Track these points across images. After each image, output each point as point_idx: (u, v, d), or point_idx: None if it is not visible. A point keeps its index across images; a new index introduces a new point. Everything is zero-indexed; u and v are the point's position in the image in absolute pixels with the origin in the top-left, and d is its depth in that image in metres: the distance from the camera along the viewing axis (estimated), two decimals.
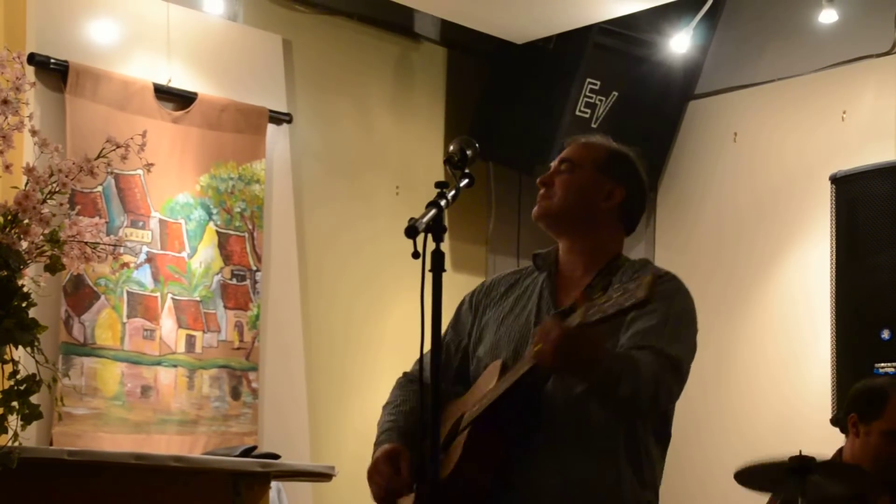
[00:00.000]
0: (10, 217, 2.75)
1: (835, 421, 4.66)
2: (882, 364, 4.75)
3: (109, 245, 2.88)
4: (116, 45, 4.92)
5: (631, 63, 5.88)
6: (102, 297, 4.68)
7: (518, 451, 2.72)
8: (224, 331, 5.04)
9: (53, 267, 2.82)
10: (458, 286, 3.11)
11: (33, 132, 2.86)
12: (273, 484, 3.64)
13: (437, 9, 5.70)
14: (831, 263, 5.05)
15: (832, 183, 5.10)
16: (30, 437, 3.06)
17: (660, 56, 5.86)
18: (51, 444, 4.35)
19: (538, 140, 5.72)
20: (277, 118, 5.34)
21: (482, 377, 2.82)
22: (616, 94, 5.86)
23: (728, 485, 3.92)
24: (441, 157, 5.73)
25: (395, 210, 5.64)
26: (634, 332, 2.73)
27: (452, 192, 2.63)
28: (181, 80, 5.06)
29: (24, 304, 2.76)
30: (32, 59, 4.56)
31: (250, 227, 5.18)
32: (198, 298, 4.98)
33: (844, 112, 5.61)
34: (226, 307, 5.05)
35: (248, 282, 5.14)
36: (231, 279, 5.09)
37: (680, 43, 5.77)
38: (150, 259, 4.84)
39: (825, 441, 4.25)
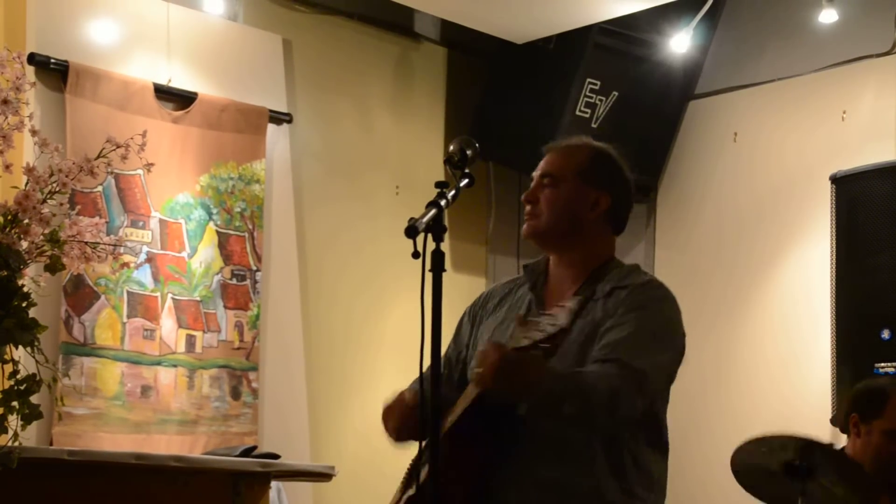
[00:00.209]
0: (10, 217, 2.75)
1: (835, 421, 4.67)
2: (882, 364, 4.75)
3: (109, 245, 2.87)
4: (116, 45, 4.92)
5: (631, 63, 5.88)
6: (102, 297, 4.68)
7: (493, 463, 2.73)
8: (224, 331, 5.04)
9: (53, 267, 2.82)
10: (458, 286, 3.12)
11: (33, 132, 2.86)
12: (273, 484, 3.64)
13: (437, 9, 5.69)
14: (831, 263, 5.05)
15: (832, 183, 5.10)
16: (30, 437, 3.06)
17: (660, 56, 5.86)
18: (51, 444, 4.34)
19: (538, 140, 5.66)
20: (277, 118, 5.34)
21: (466, 389, 2.83)
22: (616, 94, 5.86)
23: (728, 484, 3.92)
24: (441, 157, 5.73)
25: (395, 210, 5.64)
26: (604, 344, 2.75)
27: (452, 192, 2.63)
28: (181, 80, 5.06)
29: (24, 304, 2.76)
30: (32, 59, 4.56)
31: (250, 226, 5.18)
32: (198, 298, 4.98)
33: (844, 112, 5.61)
34: (226, 307, 5.06)
35: (248, 282, 5.14)
36: (231, 279, 5.09)
37: (680, 43, 5.77)
38: (150, 259, 4.84)
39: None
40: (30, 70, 4.50)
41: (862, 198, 4.98)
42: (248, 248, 5.16)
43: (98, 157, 2.87)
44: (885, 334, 4.78)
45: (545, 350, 2.61)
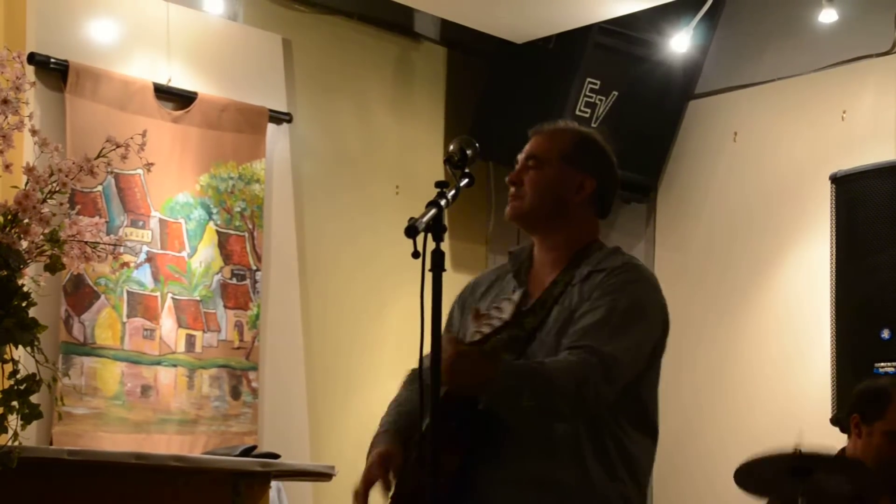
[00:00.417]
0: (10, 217, 2.75)
1: (835, 421, 4.67)
2: (882, 364, 4.75)
3: (109, 245, 2.88)
4: (116, 45, 4.92)
5: (631, 63, 5.88)
6: (102, 297, 4.68)
7: (475, 458, 2.72)
8: (224, 330, 5.04)
9: (53, 267, 2.82)
10: (458, 286, 3.11)
11: (33, 132, 2.86)
12: (273, 484, 3.64)
13: (437, 8, 5.69)
14: (831, 263, 5.05)
15: (832, 183, 5.10)
16: (30, 436, 3.06)
17: (660, 56, 5.86)
18: (51, 444, 4.34)
19: None
20: (277, 118, 5.34)
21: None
22: (616, 93, 5.86)
23: (728, 484, 3.92)
24: (441, 157, 5.73)
25: (395, 210, 5.63)
26: (575, 330, 2.74)
27: (452, 192, 2.63)
28: (181, 80, 5.06)
29: (24, 304, 2.76)
30: (32, 58, 4.56)
31: (250, 226, 5.18)
32: (198, 298, 4.98)
33: (844, 112, 5.61)
34: (226, 307, 5.05)
35: (247, 281, 5.14)
36: (231, 279, 5.09)
37: (680, 43, 5.77)
38: (150, 259, 4.84)
39: (825, 441, 4.25)
40: (30, 70, 4.50)
41: (862, 198, 4.98)
42: (248, 248, 5.16)
43: (98, 156, 2.87)
44: (885, 334, 4.78)
45: (501, 343, 2.66)
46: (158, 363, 4.82)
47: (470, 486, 2.73)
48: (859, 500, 3.88)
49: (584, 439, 2.74)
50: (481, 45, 5.98)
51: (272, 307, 5.24)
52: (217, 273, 5.05)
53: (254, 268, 5.16)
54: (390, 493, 2.75)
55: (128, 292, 4.76)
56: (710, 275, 5.94)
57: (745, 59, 6.00)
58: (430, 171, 5.73)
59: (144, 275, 4.82)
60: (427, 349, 2.58)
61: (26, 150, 3.52)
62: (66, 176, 2.80)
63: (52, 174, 2.80)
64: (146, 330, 4.81)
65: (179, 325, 4.91)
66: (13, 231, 2.75)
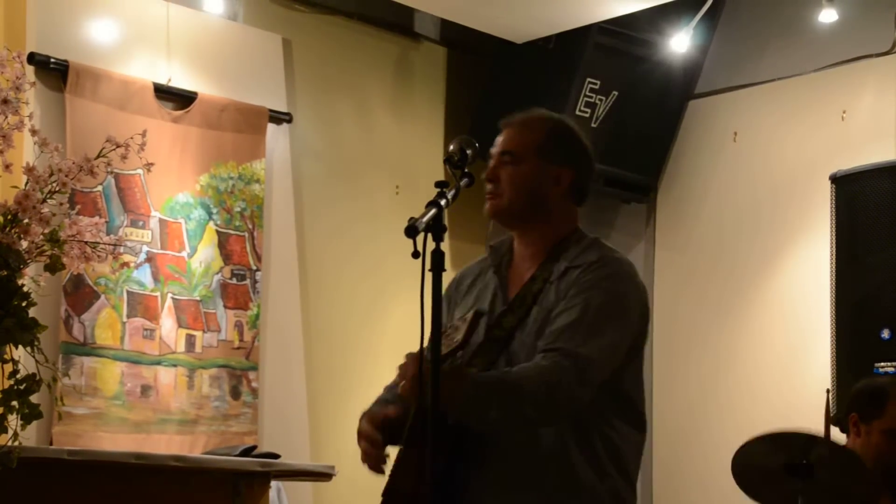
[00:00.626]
0: (10, 217, 2.75)
1: (835, 421, 4.66)
2: (882, 364, 4.75)
3: (109, 245, 2.88)
4: (116, 45, 4.92)
5: (631, 63, 5.88)
6: (102, 297, 4.68)
7: (463, 459, 2.72)
8: (224, 330, 5.04)
9: (53, 267, 2.82)
10: None
11: (33, 132, 2.86)
12: (273, 484, 3.64)
13: (437, 8, 5.69)
14: (831, 263, 5.05)
15: (832, 182, 5.10)
16: (30, 436, 3.06)
17: (660, 56, 5.86)
18: (51, 444, 4.34)
19: None
20: (277, 118, 5.34)
21: None
22: (616, 93, 5.86)
23: (728, 484, 3.92)
24: (441, 157, 5.73)
25: (395, 210, 5.64)
26: (550, 332, 2.74)
27: (452, 192, 2.63)
28: (181, 80, 5.06)
29: (24, 304, 2.76)
30: (32, 58, 4.56)
31: (250, 226, 5.18)
32: (198, 298, 4.98)
33: (844, 112, 5.61)
34: (226, 307, 5.05)
35: (247, 281, 5.14)
36: (231, 279, 5.09)
37: (680, 43, 5.77)
38: (150, 259, 4.84)
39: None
40: (30, 70, 4.50)
41: (862, 197, 4.98)
42: (248, 248, 5.17)
43: (98, 156, 2.87)
44: (885, 334, 4.78)
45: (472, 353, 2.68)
46: (158, 363, 4.82)
47: (461, 489, 2.73)
48: (860, 500, 3.88)
49: (568, 438, 2.74)
50: (481, 45, 5.98)
51: (272, 307, 5.24)
52: (217, 273, 5.05)
53: (254, 268, 5.16)
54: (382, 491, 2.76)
55: (128, 292, 4.76)
56: (710, 274, 5.95)
57: (745, 59, 6.00)
58: (430, 171, 5.73)
59: (144, 275, 4.82)
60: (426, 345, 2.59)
61: (26, 150, 3.52)
62: (66, 176, 2.80)
63: (52, 174, 2.80)
64: (146, 330, 4.81)
65: (179, 325, 4.91)
66: (13, 231, 2.75)
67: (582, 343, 2.70)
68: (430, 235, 2.51)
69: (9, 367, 2.73)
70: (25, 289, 2.78)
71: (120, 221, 4.75)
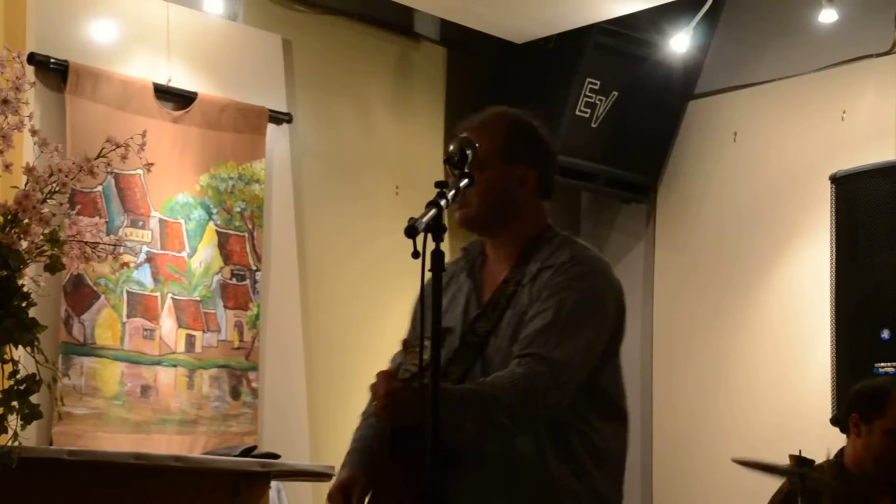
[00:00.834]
0: (10, 217, 2.75)
1: (835, 421, 4.66)
2: (882, 364, 4.76)
3: (109, 245, 2.87)
4: (116, 45, 4.92)
5: (631, 63, 5.88)
6: (102, 297, 4.68)
7: (440, 472, 2.70)
8: (224, 330, 5.04)
9: (53, 267, 2.82)
10: None
11: (33, 132, 2.86)
12: (273, 484, 3.64)
13: (437, 8, 5.69)
14: (831, 263, 5.05)
15: (832, 183, 5.10)
16: (30, 436, 3.06)
17: (660, 56, 5.86)
18: (51, 444, 4.34)
19: None
20: (277, 118, 5.34)
21: None
22: (616, 93, 5.86)
23: (728, 484, 3.92)
24: (441, 157, 5.72)
25: (395, 210, 5.64)
26: (524, 336, 2.72)
27: (452, 192, 2.63)
28: (181, 80, 5.06)
29: (24, 304, 2.76)
30: (32, 58, 4.56)
31: (250, 226, 5.18)
32: (198, 298, 4.98)
33: (844, 112, 5.61)
34: (226, 307, 5.05)
35: (247, 281, 5.14)
36: (231, 279, 5.09)
37: (680, 43, 5.77)
38: (149, 259, 4.84)
39: (825, 441, 4.25)
40: (30, 70, 4.50)
41: (862, 198, 4.98)
42: (248, 248, 5.16)
43: (98, 156, 2.87)
44: (885, 334, 4.78)
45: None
46: (158, 363, 4.82)
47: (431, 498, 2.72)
48: (860, 500, 3.88)
49: (544, 441, 2.72)
50: (481, 45, 5.98)
51: (272, 307, 5.23)
52: (217, 273, 5.05)
53: (254, 268, 5.16)
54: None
55: (128, 292, 4.76)
56: (710, 274, 5.95)
57: (745, 59, 6.00)
58: (430, 171, 5.72)
59: (144, 275, 4.82)
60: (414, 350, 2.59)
61: (26, 150, 3.52)
62: (66, 176, 2.80)
63: (52, 174, 2.80)
64: (146, 330, 4.81)
65: (179, 326, 4.91)
66: (13, 231, 2.75)
67: (556, 347, 2.68)
68: (430, 236, 2.51)
69: (9, 368, 2.73)
70: (25, 289, 2.78)
71: (120, 221, 4.75)
